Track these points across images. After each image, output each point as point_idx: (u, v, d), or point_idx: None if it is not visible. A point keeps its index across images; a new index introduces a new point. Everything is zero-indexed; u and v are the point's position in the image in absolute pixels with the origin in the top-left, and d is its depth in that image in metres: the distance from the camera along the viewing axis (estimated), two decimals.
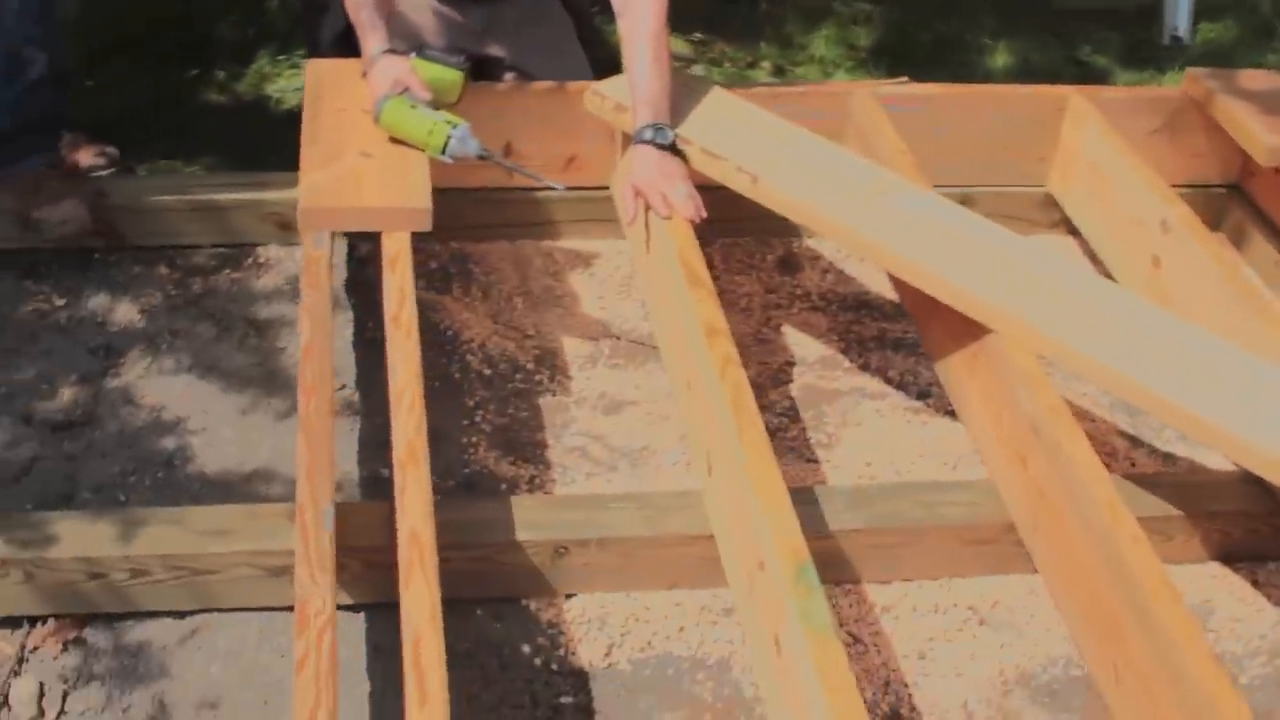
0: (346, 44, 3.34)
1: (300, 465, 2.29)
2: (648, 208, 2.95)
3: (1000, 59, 4.52)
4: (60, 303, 3.26)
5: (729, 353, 2.53)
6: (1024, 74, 4.41)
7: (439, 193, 3.11)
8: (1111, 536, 2.26)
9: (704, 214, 2.90)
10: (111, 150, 3.55)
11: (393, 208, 2.82)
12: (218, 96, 4.12)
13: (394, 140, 3.00)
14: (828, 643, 2.03)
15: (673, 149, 2.98)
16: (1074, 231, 3.58)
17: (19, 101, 3.29)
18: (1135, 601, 2.19)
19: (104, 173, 3.50)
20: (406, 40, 3.30)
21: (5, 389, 3.01)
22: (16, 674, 2.43)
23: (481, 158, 2.97)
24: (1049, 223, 3.65)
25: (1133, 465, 2.99)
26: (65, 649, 2.47)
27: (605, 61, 3.49)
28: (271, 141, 3.67)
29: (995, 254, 2.77)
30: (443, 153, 2.95)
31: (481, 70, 3.51)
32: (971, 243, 2.80)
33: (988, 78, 4.40)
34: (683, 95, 3.14)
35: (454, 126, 2.95)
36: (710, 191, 2.99)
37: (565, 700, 2.44)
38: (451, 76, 3.12)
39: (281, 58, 4.24)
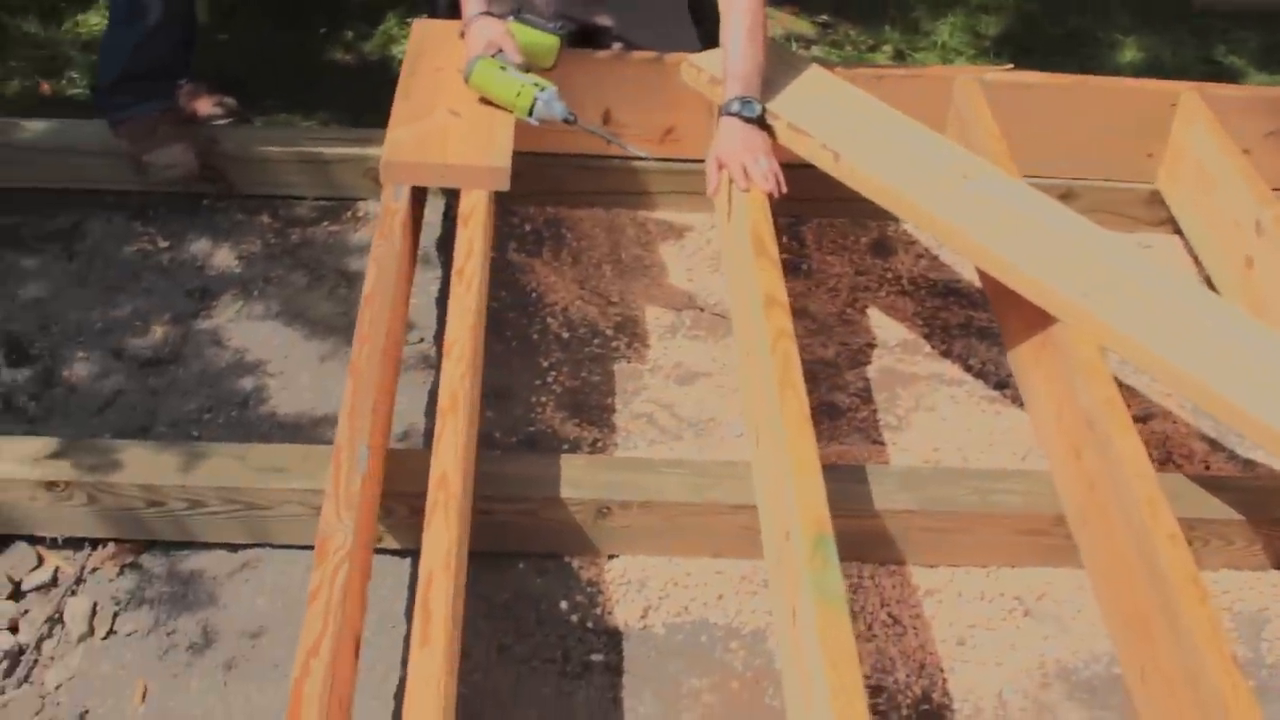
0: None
1: (344, 408, 2.34)
2: (730, 179, 2.95)
3: (1129, 54, 4.43)
4: (164, 244, 3.37)
5: (783, 325, 2.53)
6: (1152, 70, 4.30)
7: (538, 157, 3.16)
8: (1148, 534, 2.21)
9: (783, 189, 2.90)
10: (230, 101, 3.65)
11: (472, 165, 2.86)
12: (344, 55, 4.21)
13: (483, 101, 3.03)
14: (836, 615, 2.02)
15: (759, 123, 2.98)
16: (1179, 231, 3.50)
17: (138, 48, 3.37)
18: (1164, 600, 2.15)
19: (221, 122, 3.60)
20: (516, 5, 3.35)
21: (102, 324, 3.13)
22: (73, 593, 2.52)
23: (567, 121, 2.97)
24: (1154, 220, 3.57)
25: (1207, 468, 2.92)
26: (121, 572, 2.57)
27: (717, 36, 3.48)
28: (390, 102, 3.73)
29: (1071, 245, 2.72)
30: (529, 114, 2.97)
31: (589, 39, 3.54)
32: (1049, 232, 2.75)
33: (1113, 73, 4.30)
34: (779, 71, 3.14)
35: (541, 89, 2.97)
36: (807, 170, 3.00)
37: (596, 658, 2.46)
38: (547, 41, 3.14)
39: (410, 20, 4.30)
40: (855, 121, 3.07)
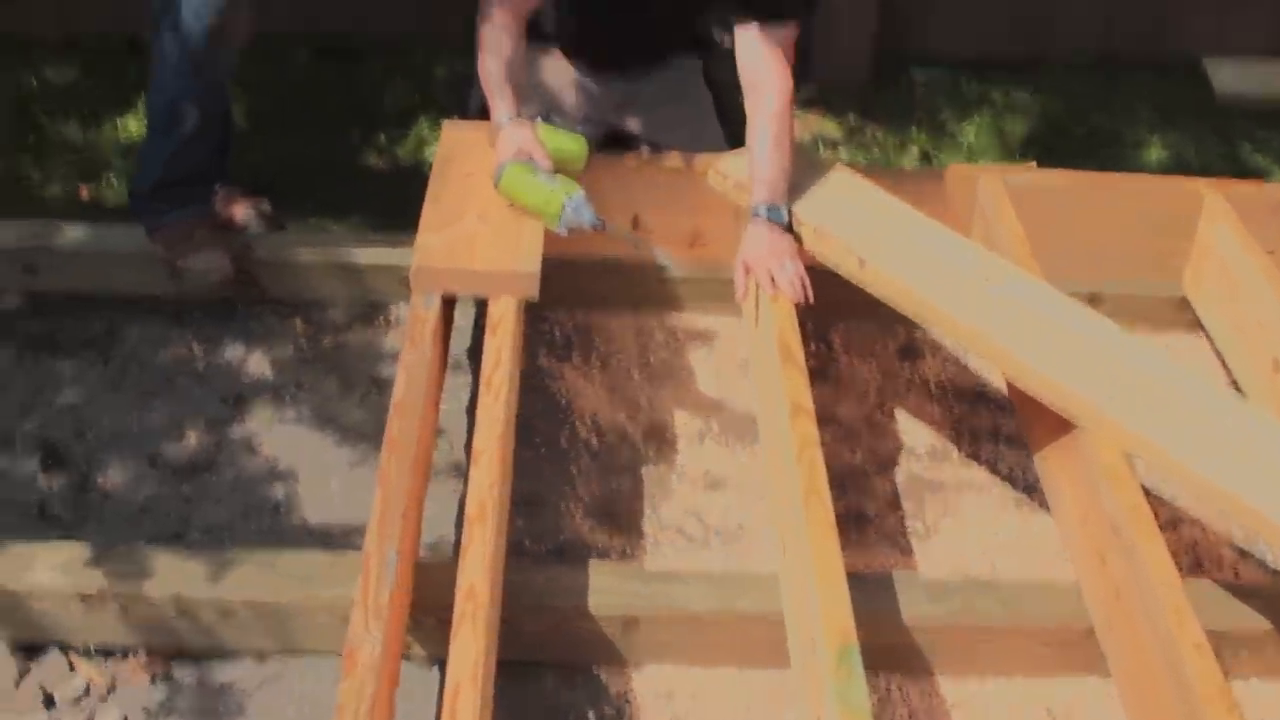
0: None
1: (373, 516, 2.37)
2: (758, 285, 2.98)
3: (1154, 153, 4.46)
4: (198, 350, 3.41)
5: (809, 433, 2.55)
6: (1176, 169, 4.34)
7: (567, 262, 3.18)
8: (1174, 643, 2.22)
9: (810, 297, 2.93)
10: (264, 206, 3.70)
11: (500, 272, 2.89)
12: (376, 159, 4.27)
13: (511, 206, 3.07)
14: None
15: (786, 228, 3.02)
16: (1206, 333, 3.50)
17: (175, 155, 3.42)
18: (1191, 711, 2.15)
19: (255, 227, 3.65)
20: (544, 106, 3.40)
21: (137, 430, 3.16)
22: (104, 700, 2.54)
23: (595, 227, 2.99)
24: (1181, 323, 3.57)
25: (1236, 576, 2.91)
26: (153, 682, 2.58)
27: (744, 136, 3.52)
28: (421, 204, 3.79)
29: (1096, 348, 2.74)
30: (558, 221, 3.00)
31: (617, 142, 3.59)
32: (1073, 336, 2.77)
33: (1137, 172, 4.33)
34: (805, 175, 3.17)
35: (570, 195, 2.99)
36: (834, 274, 3.03)
37: None
38: (576, 145, 3.17)
39: (441, 124, 4.37)
40: (881, 226, 3.10)
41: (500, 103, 3.17)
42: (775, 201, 3.04)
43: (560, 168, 3.10)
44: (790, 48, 3.18)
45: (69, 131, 4.26)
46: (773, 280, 2.95)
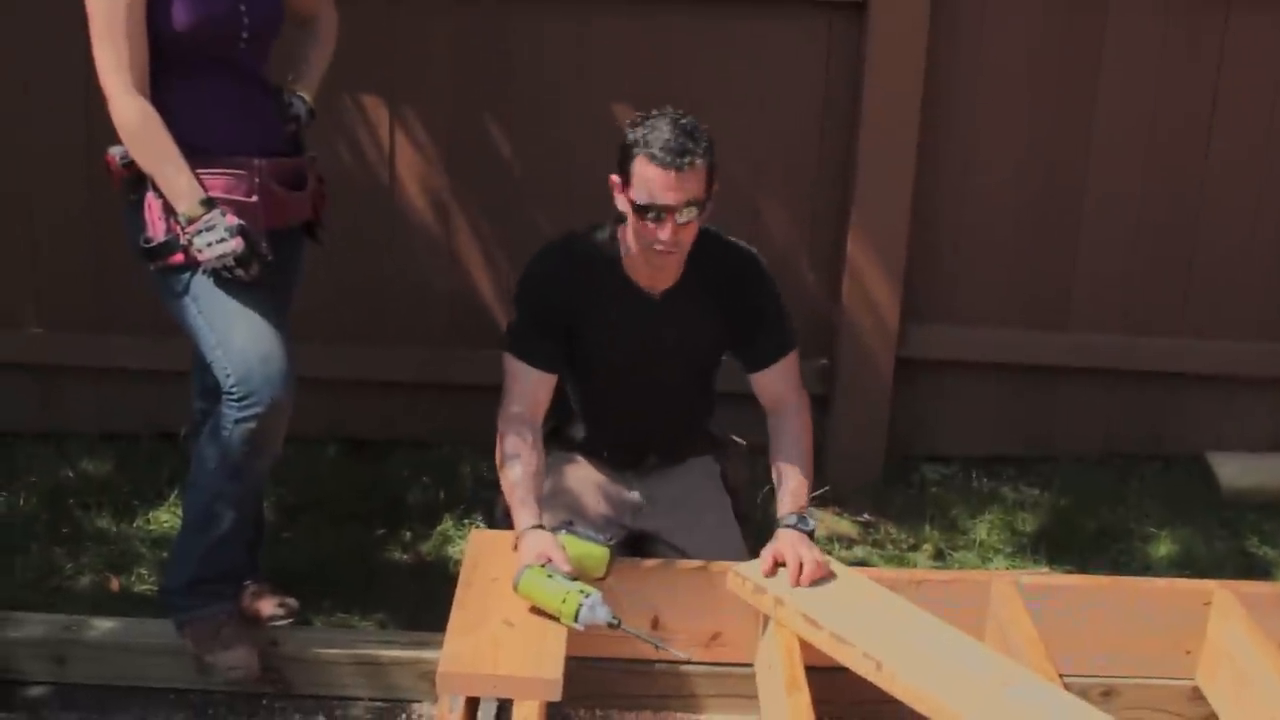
0: None
1: None
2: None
3: (1163, 548, 4.55)
4: None
5: None
6: (1186, 564, 4.43)
7: (589, 662, 3.25)
8: None
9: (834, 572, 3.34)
10: (291, 602, 3.76)
11: (524, 677, 2.96)
12: (401, 555, 4.37)
13: (533, 610, 3.16)
14: None
15: (811, 535, 3.40)
16: None
17: (209, 553, 3.52)
18: None
19: (281, 623, 3.71)
20: (567, 510, 3.53)
21: None
22: None
23: (611, 625, 3.10)
24: (1197, 716, 3.58)
25: None
26: None
27: (764, 537, 3.62)
28: (446, 601, 3.83)
29: None
30: (575, 620, 3.10)
31: (637, 544, 3.70)
32: None
33: (1147, 567, 4.43)
34: (822, 580, 3.31)
35: (586, 595, 3.11)
36: (851, 674, 3.12)
37: None
38: (598, 552, 3.29)
39: (466, 521, 4.49)
40: (896, 629, 3.18)
41: (523, 512, 3.31)
42: (801, 512, 3.42)
43: (583, 574, 3.22)
44: (796, 368, 3.67)
45: (102, 523, 4.38)
46: (799, 565, 3.29)
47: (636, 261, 3.49)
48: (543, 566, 3.17)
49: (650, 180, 3.27)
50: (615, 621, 3.11)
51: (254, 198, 3.35)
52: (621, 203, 3.39)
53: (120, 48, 3.20)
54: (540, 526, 3.29)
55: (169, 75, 3.29)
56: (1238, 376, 5.08)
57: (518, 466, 3.38)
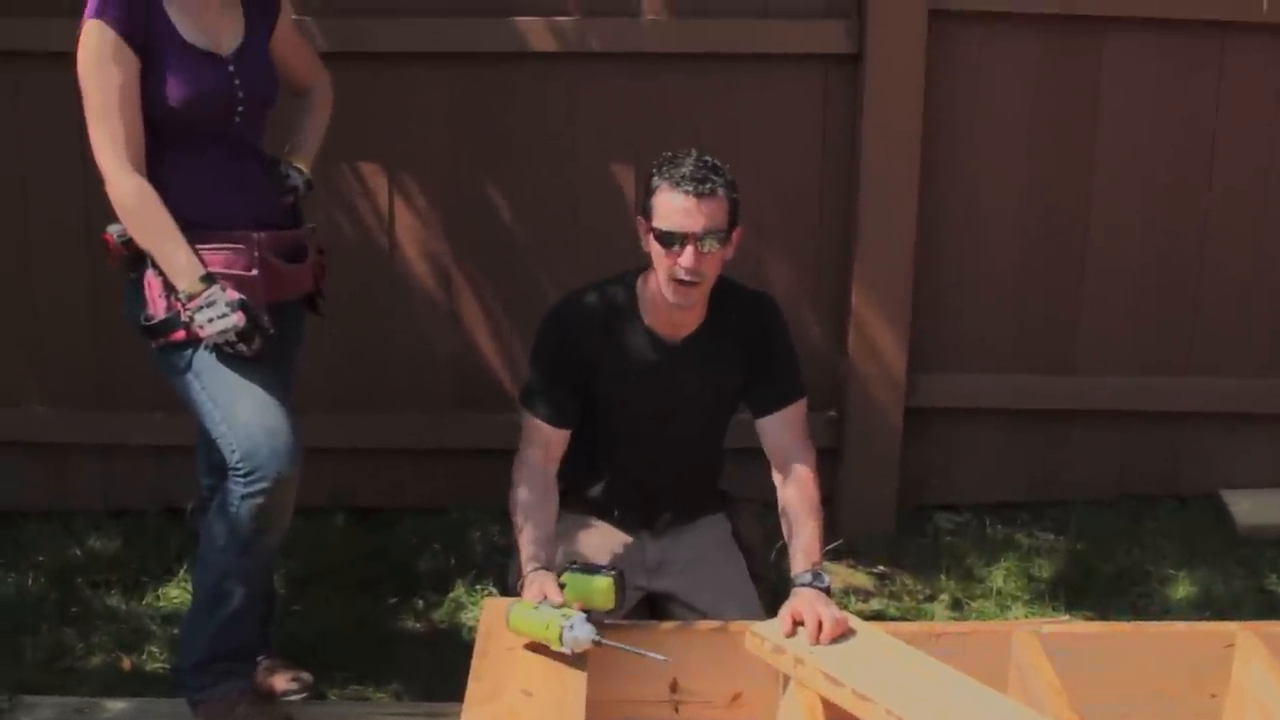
0: None
1: None
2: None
3: (1182, 589, 4.52)
4: None
5: None
6: (1205, 604, 4.39)
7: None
8: None
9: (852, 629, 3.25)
10: (305, 676, 3.72)
11: None
12: (413, 624, 4.33)
13: (529, 647, 3.21)
14: None
15: (827, 591, 3.33)
16: None
17: (220, 631, 3.48)
18: None
19: (296, 698, 3.67)
20: (567, 557, 3.56)
21: None
22: None
23: (595, 643, 3.14)
24: None
25: None
26: None
27: (780, 596, 3.59)
28: (460, 669, 3.78)
29: None
30: (560, 643, 3.14)
31: (655, 606, 3.67)
32: None
33: (1167, 609, 4.39)
34: (842, 638, 3.27)
35: (566, 619, 3.15)
36: None
37: None
38: (602, 584, 3.30)
39: (478, 587, 4.46)
40: (919, 685, 3.13)
41: (526, 556, 3.35)
42: (815, 569, 3.36)
43: (592, 608, 3.25)
44: (805, 419, 3.65)
45: (111, 601, 4.35)
46: (818, 623, 3.19)
47: (658, 308, 3.52)
48: (529, 601, 3.22)
49: (673, 207, 3.34)
50: (598, 639, 3.14)
51: (254, 271, 3.34)
52: (646, 242, 3.44)
53: (115, 125, 3.20)
54: (543, 568, 3.31)
55: (164, 151, 3.29)
56: (1248, 413, 5.06)
57: (528, 514, 3.42)
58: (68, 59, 3.27)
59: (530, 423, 3.55)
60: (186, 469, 4.04)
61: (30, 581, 4.43)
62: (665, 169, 3.39)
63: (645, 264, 3.52)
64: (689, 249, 3.33)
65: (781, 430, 3.61)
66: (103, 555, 4.60)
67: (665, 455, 3.67)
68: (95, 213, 3.59)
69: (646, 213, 3.41)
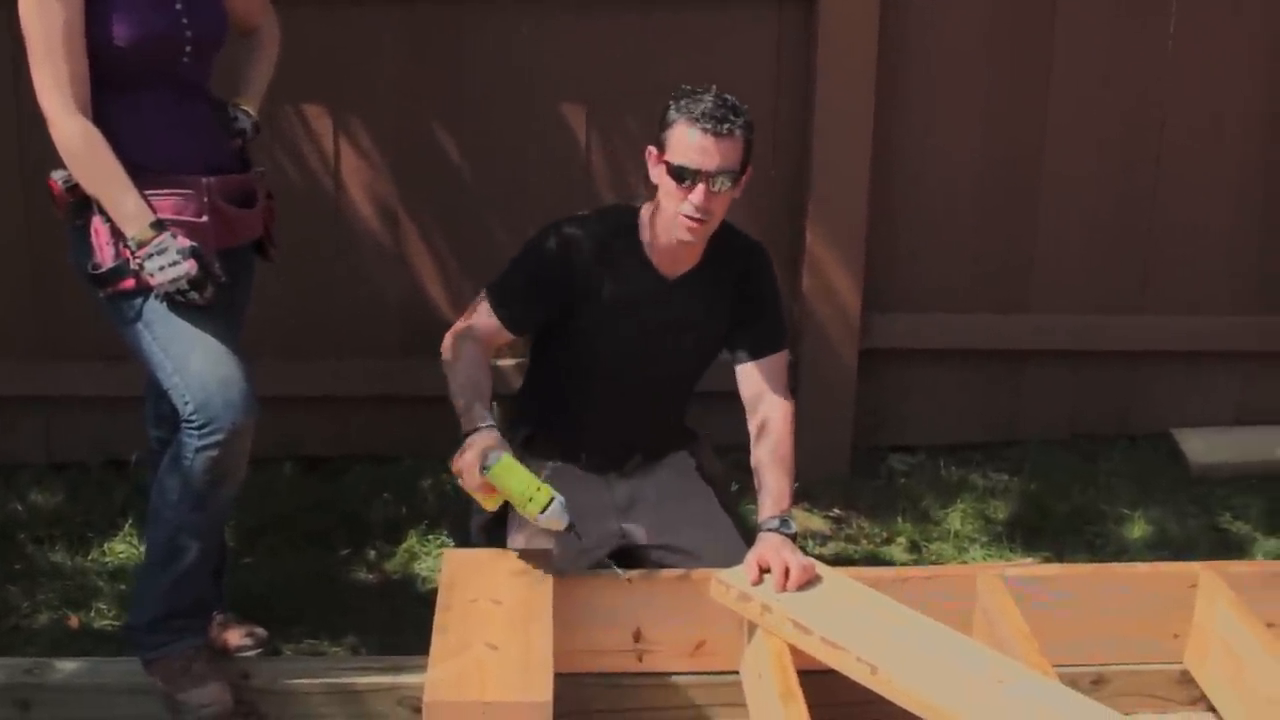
0: (494, 535, 3.57)
1: None
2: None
3: (1137, 529, 4.53)
4: None
5: None
6: (1161, 544, 4.42)
7: (572, 678, 3.17)
8: None
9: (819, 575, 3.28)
10: (260, 631, 3.66)
11: (512, 703, 2.87)
12: (367, 575, 4.27)
13: (484, 488, 3.23)
14: None
15: (794, 538, 3.34)
16: (1213, 708, 3.50)
17: (174, 588, 3.39)
18: None
19: (251, 653, 3.61)
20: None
21: None
22: None
23: (569, 527, 3.20)
24: (1187, 699, 3.57)
25: None
26: None
27: (747, 533, 3.56)
28: (416, 621, 3.76)
29: None
30: (541, 512, 3.17)
31: (627, 557, 3.62)
32: None
33: (1123, 549, 4.41)
34: (808, 584, 3.26)
35: (558, 494, 3.19)
36: (838, 674, 3.07)
37: None
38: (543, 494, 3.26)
39: (431, 537, 4.41)
40: (887, 630, 3.13)
41: (475, 410, 3.33)
42: (783, 515, 3.36)
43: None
44: (786, 370, 3.63)
45: (56, 557, 4.26)
46: (784, 570, 3.22)
47: (658, 242, 3.48)
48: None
49: (689, 143, 3.31)
50: (572, 528, 3.22)
51: (204, 218, 3.24)
52: (656, 173, 3.40)
53: (59, 66, 3.09)
54: (493, 426, 3.29)
55: (109, 93, 3.18)
56: (1200, 352, 5.08)
57: (465, 372, 3.43)
58: None
59: (486, 313, 3.52)
60: (130, 420, 3.95)
61: None
62: (684, 103, 3.35)
63: (629, 198, 3.47)
64: (700, 187, 3.30)
65: (762, 378, 3.57)
66: (45, 510, 4.50)
67: (643, 394, 3.62)
68: (31, 151, 3.47)
69: (660, 145, 3.37)
